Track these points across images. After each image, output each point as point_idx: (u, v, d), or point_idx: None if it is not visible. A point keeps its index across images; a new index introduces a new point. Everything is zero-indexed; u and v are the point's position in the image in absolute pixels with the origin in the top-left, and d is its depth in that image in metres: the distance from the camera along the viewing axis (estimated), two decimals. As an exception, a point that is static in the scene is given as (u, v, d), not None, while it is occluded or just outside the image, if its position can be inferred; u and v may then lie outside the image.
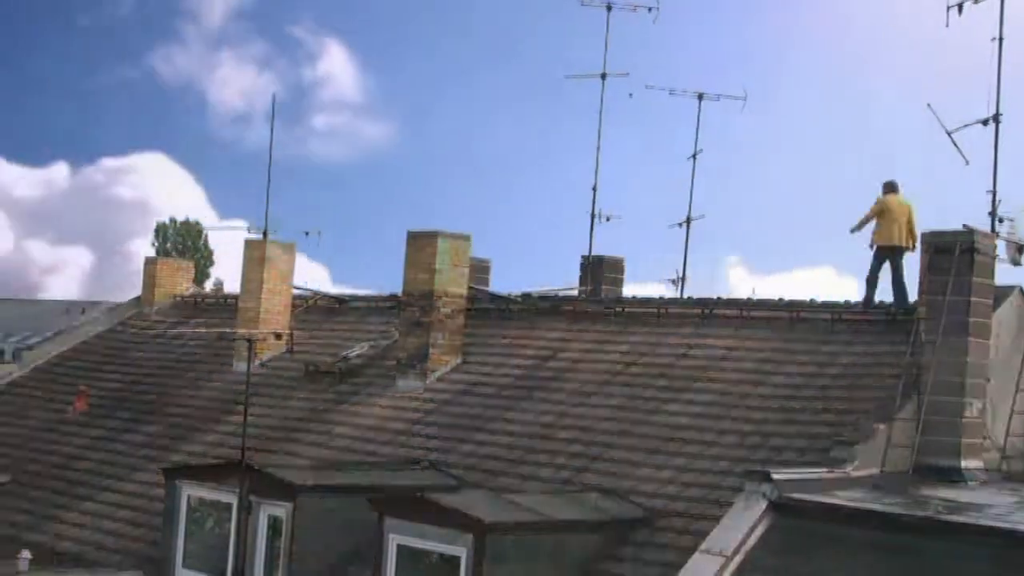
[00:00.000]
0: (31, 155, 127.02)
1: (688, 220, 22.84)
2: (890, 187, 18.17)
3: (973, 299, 15.52)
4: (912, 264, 16.16)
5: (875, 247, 17.99)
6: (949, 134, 16.93)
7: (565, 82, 24.31)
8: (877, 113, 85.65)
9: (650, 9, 23.63)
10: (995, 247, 16.06)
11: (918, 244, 16.87)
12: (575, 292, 22.42)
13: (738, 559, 13.04)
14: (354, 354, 21.91)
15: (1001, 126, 16.84)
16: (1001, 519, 12.85)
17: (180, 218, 66.22)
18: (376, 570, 14.79)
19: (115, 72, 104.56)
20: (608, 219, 23.43)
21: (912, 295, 16.85)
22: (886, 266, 17.94)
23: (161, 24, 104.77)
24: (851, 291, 35.20)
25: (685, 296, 21.71)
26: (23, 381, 26.15)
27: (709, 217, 23.85)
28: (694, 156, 23.44)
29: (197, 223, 64.63)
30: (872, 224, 18.00)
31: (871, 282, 18.03)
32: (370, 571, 15.05)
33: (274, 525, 16.23)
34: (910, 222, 17.89)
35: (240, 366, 22.17)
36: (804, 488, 13.69)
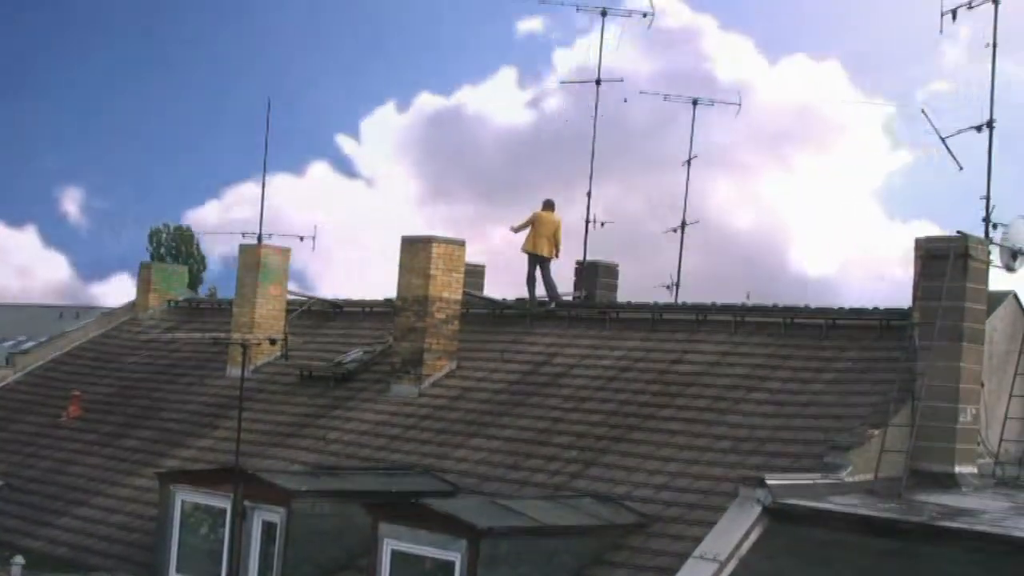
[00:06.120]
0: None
1: (683, 225, 22.84)
2: (547, 205, 21.67)
3: (967, 305, 15.54)
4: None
5: (526, 253, 21.52)
6: (943, 139, 16.95)
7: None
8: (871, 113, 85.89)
9: (645, 14, 23.70)
10: (989, 253, 16.08)
11: (561, 254, 21.70)
12: (570, 297, 22.42)
13: (732, 564, 13.05)
14: (348, 359, 21.89)
15: (995, 132, 16.87)
16: (995, 525, 12.87)
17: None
18: None
19: None
20: (603, 224, 23.45)
21: (889, 301, 16.90)
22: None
23: None
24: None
25: (680, 302, 21.70)
26: (16, 386, 26.10)
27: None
28: (689, 161, 23.47)
29: (189, 228, 64.69)
30: (527, 231, 21.48)
31: (529, 284, 21.54)
32: (364, 576, 15.06)
33: (268, 531, 16.20)
34: (556, 235, 21.59)
35: (234, 371, 22.14)
36: (798, 493, 13.70)
